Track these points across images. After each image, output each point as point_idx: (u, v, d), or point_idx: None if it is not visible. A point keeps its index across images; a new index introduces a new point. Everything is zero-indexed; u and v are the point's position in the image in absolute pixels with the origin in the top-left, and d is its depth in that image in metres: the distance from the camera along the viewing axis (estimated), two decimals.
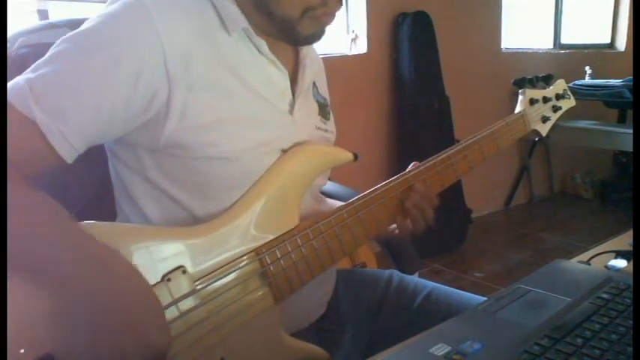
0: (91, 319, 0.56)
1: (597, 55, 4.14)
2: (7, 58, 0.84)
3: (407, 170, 0.84)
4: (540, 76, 3.44)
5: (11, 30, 0.89)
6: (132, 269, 0.59)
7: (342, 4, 0.74)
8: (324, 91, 0.90)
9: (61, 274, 0.57)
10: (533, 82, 3.41)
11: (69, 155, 0.64)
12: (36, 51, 0.77)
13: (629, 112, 3.67)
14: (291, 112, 0.77)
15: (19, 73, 0.65)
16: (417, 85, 2.82)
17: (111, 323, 0.56)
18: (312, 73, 0.82)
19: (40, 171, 0.64)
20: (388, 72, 2.89)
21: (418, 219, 0.82)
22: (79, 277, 0.56)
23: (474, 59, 3.30)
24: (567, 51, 3.99)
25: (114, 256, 0.59)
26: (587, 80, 3.55)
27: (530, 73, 3.53)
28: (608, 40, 4.42)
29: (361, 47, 2.81)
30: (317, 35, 0.75)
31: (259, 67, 0.74)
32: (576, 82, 3.49)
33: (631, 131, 3.18)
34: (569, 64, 3.84)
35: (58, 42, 0.66)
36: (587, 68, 3.62)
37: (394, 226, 0.85)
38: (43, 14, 1.90)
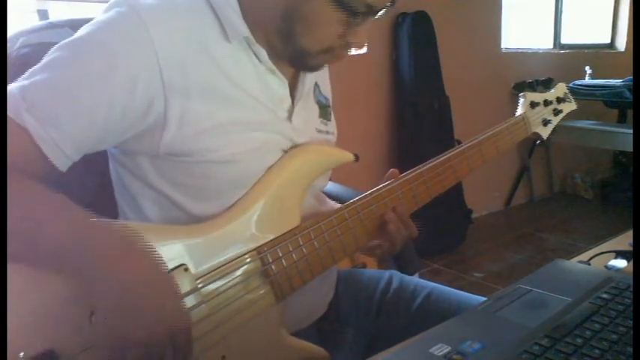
0: (106, 312, 0.57)
1: (597, 55, 4.14)
2: (8, 58, 0.85)
3: (385, 177, 0.83)
4: (540, 79, 3.44)
5: (11, 30, 0.89)
6: (148, 255, 0.60)
7: (363, 47, 0.75)
8: (327, 89, 0.90)
9: (77, 267, 0.58)
10: (533, 86, 3.42)
11: (62, 164, 0.64)
12: (37, 51, 0.77)
13: (629, 112, 3.67)
14: (289, 118, 0.77)
15: (21, 72, 0.65)
16: (417, 85, 2.82)
17: (130, 309, 0.58)
18: (314, 74, 0.82)
19: (36, 177, 0.63)
20: (388, 72, 2.89)
21: (397, 242, 0.80)
22: (94, 271, 0.58)
23: (474, 59, 3.30)
24: (567, 51, 3.99)
25: (130, 241, 0.61)
26: (587, 80, 3.55)
27: (530, 73, 3.54)
28: (608, 40, 4.42)
29: (365, 44, 2.80)
30: (319, 68, 0.77)
31: (258, 75, 0.74)
32: (576, 82, 3.49)
33: (631, 131, 3.18)
34: (569, 64, 3.84)
35: (52, 49, 0.66)
36: (587, 68, 3.62)
37: (373, 244, 0.82)
38: (43, 14, 1.90)
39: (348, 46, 0.73)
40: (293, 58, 0.74)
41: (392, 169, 0.84)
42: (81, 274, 0.58)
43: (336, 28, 0.70)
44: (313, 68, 0.77)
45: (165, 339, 0.58)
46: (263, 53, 0.73)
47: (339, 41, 0.72)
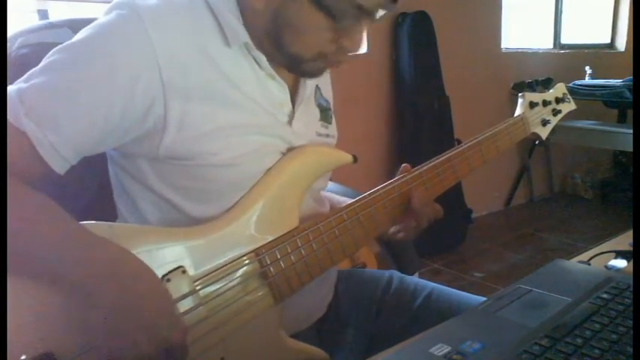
0: (103, 317, 0.58)
1: (597, 55, 4.14)
2: (7, 58, 0.84)
3: (399, 171, 0.84)
4: (540, 79, 3.44)
5: (11, 30, 0.89)
6: (142, 266, 0.61)
7: (358, 50, 0.73)
8: (328, 92, 0.90)
9: (73, 275, 0.58)
10: (532, 86, 3.42)
11: (60, 167, 0.64)
12: (36, 51, 0.77)
13: (629, 112, 3.67)
14: (289, 122, 0.77)
15: (20, 73, 0.65)
16: (417, 85, 2.82)
17: (123, 321, 0.58)
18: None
19: (34, 179, 0.63)
20: (388, 72, 2.89)
21: (423, 220, 0.83)
22: (91, 277, 0.58)
23: (474, 59, 3.30)
24: (567, 51, 3.99)
25: (123, 254, 0.60)
26: (587, 80, 3.55)
27: (530, 73, 3.53)
28: (608, 40, 4.42)
29: (361, 47, 2.80)
30: (318, 73, 0.76)
31: (258, 80, 0.73)
32: (576, 82, 3.49)
33: (631, 131, 3.18)
34: (569, 64, 3.84)
35: (51, 52, 0.65)
36: (587, 68, 3.62)
37: (396, 228, 0.85)
38: (43, 14, 1.90)
39: (343, 51, 0.71)
40: (287, 64, 0.74)
41: (405, 164, 0.85)
42: (74, 283, 0.58)
43: (324, 33, 0.69)
44: (311, 74, 0.76)
45: (159, 346, 0.58)
46: (263, 59, 0.73)
47: (332, 46, 0.70)
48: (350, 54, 0.73)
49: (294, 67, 0.74)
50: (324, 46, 0.70)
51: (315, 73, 0.76)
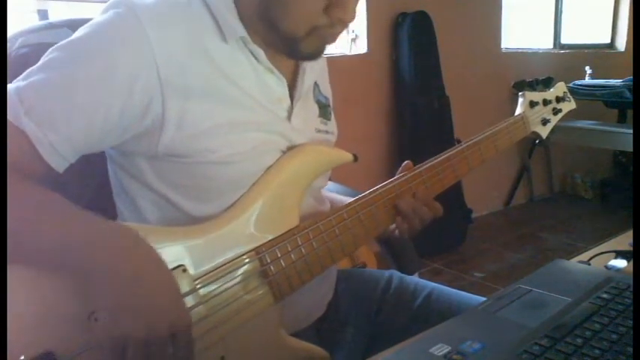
0: (112, 303, 0.57)
1: (597, 55, 4.14)
2: (8, 58, 0.84)
3: (400, 169, 0.84)
4: (540, 79, 3.44)
5: (11, 30, 0.89)
6: (150, 251, 0.60)
7: (347, 27, 0.73)
8: (326, 89, 0.90)
9: (82, 260, 0.58)
10: (533, 85, 3.42)
11: (59, 165, 0.64)
12: (36, 51, 0.77)
13: (629, 112, 3.67)
14: (288, 118, 0.77)
15: (19, 73, 0.65)
16: (417, 85, 2.82)
17: (132, 306, 0.57)
18: (314, 74, 0.82)
19: (34, 178, 0.63)
20: (388, 72, 2.89)
21: (415, 222, 0.82)
22: (98, 263, 0.58)
23: (474, 59, 3.30)
24: (567, 51, 3.99)
25: (131, 238, 0.60)
26: (587, 80, 3.55)
27: (530, 73, 3.54)
28: (608, 40, 4.42)
29: (361, 47, 2.81)
30: (317, 53, 0.74)
31: (256, 74, 0.73)
32: (576, 82, 3.49)
33: (631, 131, 3.18)
34: (569, 64, 3.84)
35: (50, 50, 0.66)
36: (587, 68, 3.62)
37: (393, 226, 0.85)
38: (43, 14, 1.91)
39: (335, 22, 0.69)
40: (284, 46, 0.72)
41: (407, 161, 0.85)
42: (82, 272, 0.58)
43: (314, 2, 0.67)
44: (311, 55, 0.74)
45: (166, 336, 0.58)
46: (260, 52, 0.73)
47: (324, 19, 0.68)
48: (344, 25, 0.71)
49: (292, 49, 0.72)
50: (316, 18, 0.68)
51: (314, 54, 0.74)
